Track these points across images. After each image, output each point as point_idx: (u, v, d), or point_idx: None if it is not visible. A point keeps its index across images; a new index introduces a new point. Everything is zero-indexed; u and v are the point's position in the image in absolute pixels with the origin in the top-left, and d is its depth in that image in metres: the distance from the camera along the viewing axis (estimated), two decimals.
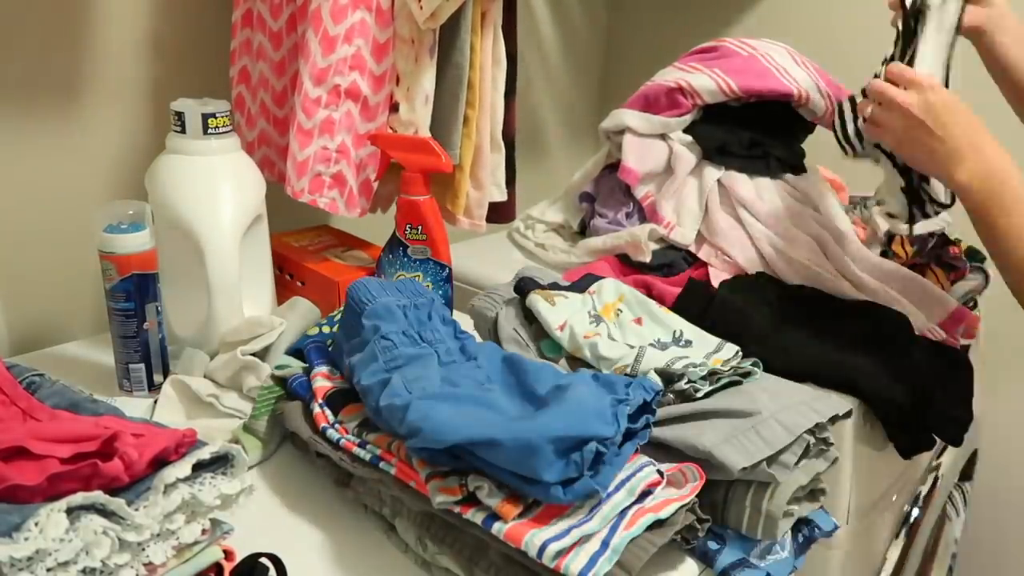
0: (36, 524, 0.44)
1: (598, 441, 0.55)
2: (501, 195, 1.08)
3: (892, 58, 0.83)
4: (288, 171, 0.93)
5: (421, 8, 0.89)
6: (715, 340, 0.79)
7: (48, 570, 0.44)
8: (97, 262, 0.76)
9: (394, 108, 0.97)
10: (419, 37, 0.94)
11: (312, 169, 0.93)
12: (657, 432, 0.65)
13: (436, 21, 0.91)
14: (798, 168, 1.09)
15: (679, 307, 0.89)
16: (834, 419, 0.70)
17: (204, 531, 0.51)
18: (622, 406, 0.58)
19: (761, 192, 1.05)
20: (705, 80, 1.06)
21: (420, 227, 0.93)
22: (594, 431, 0.55)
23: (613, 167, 1.15)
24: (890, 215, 0.87)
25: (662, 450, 0.65)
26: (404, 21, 0.92)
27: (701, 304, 0.91)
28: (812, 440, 0.66)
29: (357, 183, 0.96)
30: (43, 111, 0.92)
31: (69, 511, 0.46)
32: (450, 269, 0.96)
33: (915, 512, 1.09)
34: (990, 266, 1.15)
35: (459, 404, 0.59)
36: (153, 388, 0.80)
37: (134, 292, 0.76)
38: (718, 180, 1.07)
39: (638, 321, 0.82)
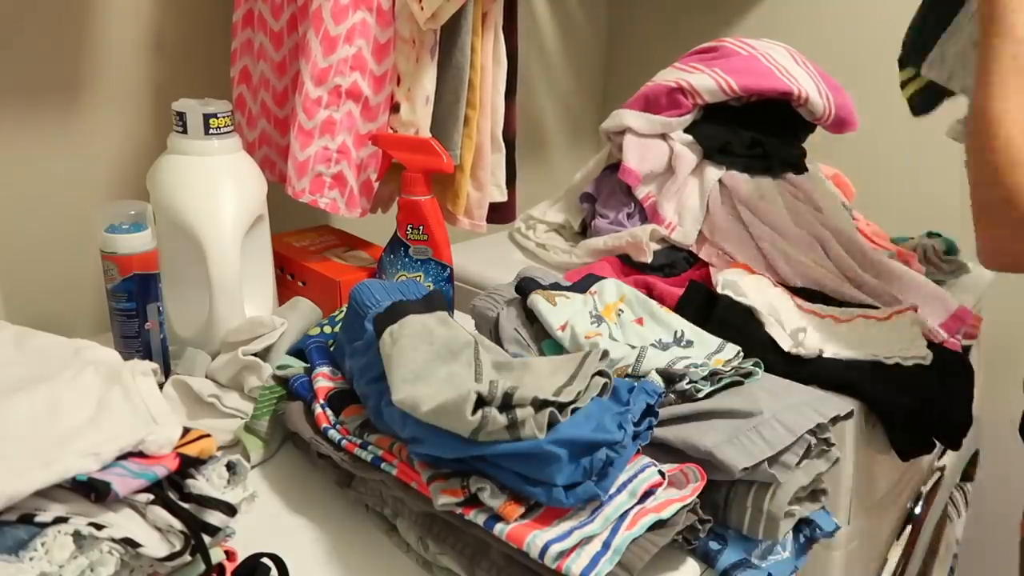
0: (43, 544, 0.45)
1: (608, 446, 0.55)
2: (501, 195, 1.09)
3: None
4: (289, 171, 0.93)
5: (422, 8, 0.89)
6: (716, 340, 0.79)
7: None
8: (98, 262, 0.76)
9: (395, 108, 0.97)
10: (420, 37, 0.94)
11: (313, 169, 0.93)
12: (659, 432, 0.65)
13: (437, 21, 0.92)
14: (799, 167, 1.09)
15: (681, 309, 0.89)
16: (835, 419, 0.70)
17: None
18: (625, 415, 0.58)
19: (762, 192, 1.05)
20: (706, 80, 1.06)
21: (421, 227, 0.93)
22: (606, 436, 0.55)
23: (614, 167, 1.15)
24: None
25: (663, 450, 0.65)
26: (405, 21, 0.92)
27: (703, 305, 0.91)
28: (813, 440, 0.66)
29: (358, 183, 0.96)
30: (44, 111, 0.92)
31: (76, 534, 0.46)
32: (451, 269, 0.96)
33: (916, 512, 1.09)
34: (967, 258, 1.15)
35: None
36: None
37: (135, 292, 0.76)
38: (719, 180, 1.07)
39: (639, 321, 0.82)
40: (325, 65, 0.89)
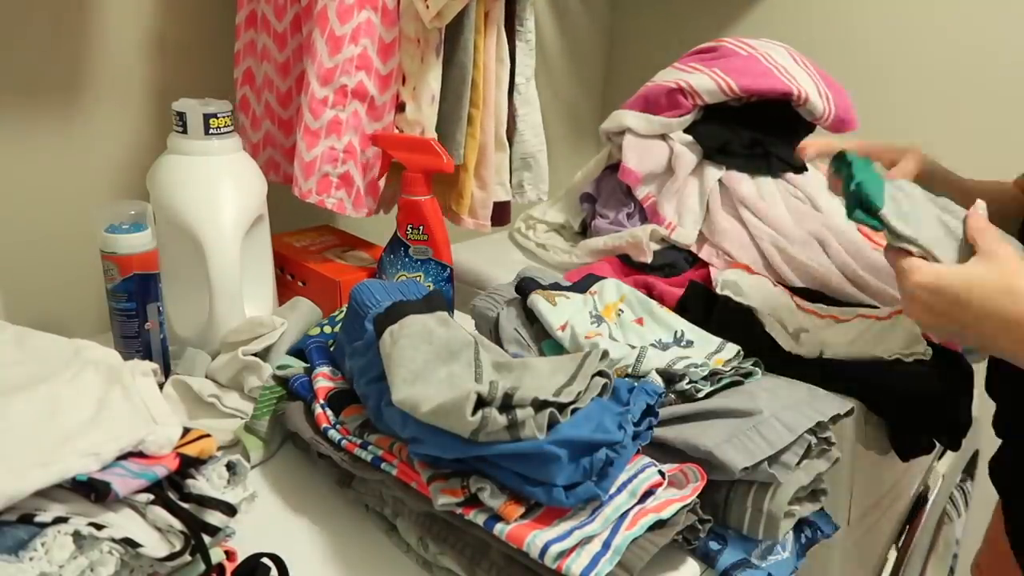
0: (43, 544, 0.45)
1: (608, 447, 0.55)
2: (507, 194, 1.09)
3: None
4: (295, 172, 0.93)
5: (427, 7, 0.89)
6: (716, 340, 0.79)
7: None
8: (98, 262, 0.76)
9: (400, 108, 0.97)
10: (425, 36, 0.94)
11: (319, 169, 0.93)
12: (659, 432, 0.65)
13: (442, 20, 0.92)
14: (799, 167, 1.09)
15: (681, 309, 0.89)
16: (835, 418, 0.70)
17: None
18: (625, 415, 0.58)
19: (762, 191, 1.05)
20: (705, 80, 1.06)
21: (421, 227, 0.93)
22: (606, 436, 0.55)
23: (614, 167, 1.15)
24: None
25: (663, 450, 0.65)
26: (410, 20, 0.92)
27: (703, 305, 0.91)
28: (814, 440, 0.66)
29: (364, 183, 0.96)
30: (45, 111, 0.92)
31: (76, 534, 0.46)
32: (451, 269, 0.96)
33: (915, 512, 1.09)
34: None
35: None
36: None
37: (135, 292, 0.76)
38: (719, 180, 1.07)
39: (639, 321, 0.82)
40: (331, 65, 0.89)
